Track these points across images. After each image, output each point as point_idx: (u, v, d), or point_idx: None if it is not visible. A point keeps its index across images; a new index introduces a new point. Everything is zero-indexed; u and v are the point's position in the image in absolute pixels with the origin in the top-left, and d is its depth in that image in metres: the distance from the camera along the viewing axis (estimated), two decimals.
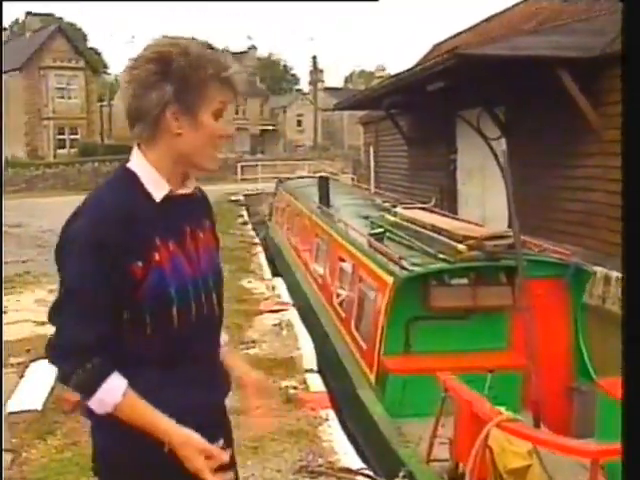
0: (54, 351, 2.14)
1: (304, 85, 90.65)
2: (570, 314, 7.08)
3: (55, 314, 2.17)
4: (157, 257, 2.15)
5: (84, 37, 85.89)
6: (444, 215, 9.73)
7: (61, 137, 52.57)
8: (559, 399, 6.63)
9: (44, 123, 52.12)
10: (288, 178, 20.79)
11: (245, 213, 25.45)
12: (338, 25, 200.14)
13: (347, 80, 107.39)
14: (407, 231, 8.23)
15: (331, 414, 5.96)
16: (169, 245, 2.19)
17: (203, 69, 2.16)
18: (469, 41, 21.27)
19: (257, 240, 18.13)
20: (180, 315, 2.18)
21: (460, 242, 6.78)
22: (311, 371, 6.87)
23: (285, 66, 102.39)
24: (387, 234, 8.27)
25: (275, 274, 13.05)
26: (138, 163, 2.24)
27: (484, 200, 20.92)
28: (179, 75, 2.14)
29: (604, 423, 5.27)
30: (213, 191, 28.43)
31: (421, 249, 7.15)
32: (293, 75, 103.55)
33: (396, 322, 6.65)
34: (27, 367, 6.79)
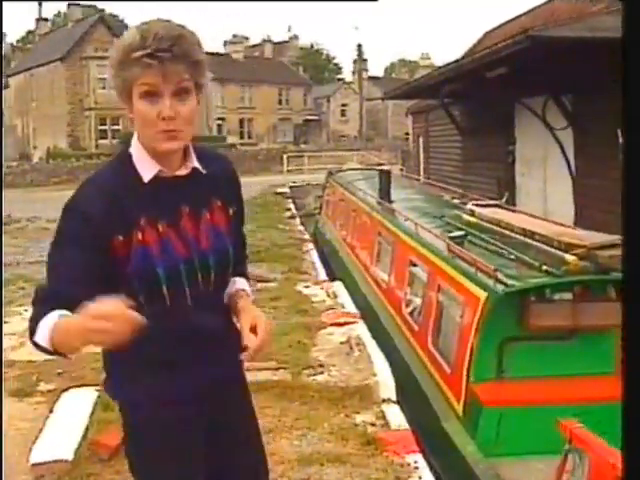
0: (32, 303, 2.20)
1: (347, 74, 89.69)
2: None
3: (50, 267, 2.24)
4: (140, 236, 2.23)
5: (125, 27, 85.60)
6: (529, 215, 8.71)
7: (103, 128, 52.18)
8: None
9: (86, 114, 51.84)
10: (340, 170, 19.81)
11: (292, 206, 24.58)
12: (378, 14, 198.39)
13: (387, 69, 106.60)
14: (491, 234, 7.25)
15: (420, 461, 5.00)
16: (158, 226, 2.27)
17: (117, 53, 2.17)
18: (530, 25, 20.15)
19: (307, 236, 17.23)
20: (171, 294, 2.26)
21: (566, 251, 5.81)
22: (389, 401, 5.90)
23: (327, 55, 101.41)
24: (469, 237, 7.30)
25: (329, 275, 12.13)
26: (133, 146, 2.34)
27: (546, 193, 19.88)
28: (110, 65, 2.21)
29: None
30: (257, 183, 27.96)
31: (516, 258, 6.18)
32: (336, 64, 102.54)
33: (488, 343, 5.71)
34: (58, 398, 5.83)
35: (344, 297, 9.27)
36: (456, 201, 10.69)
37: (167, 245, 2.26)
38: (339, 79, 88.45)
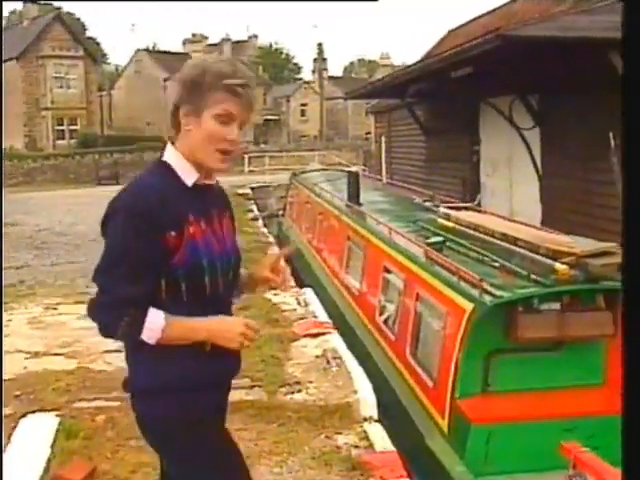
0: (99, 307, 2.46)
1: (306, 74, 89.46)
2: None
3: (98, 275, 2.48)
4: (191, 230, 2.49)
5: (83, 26, 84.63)
6: (506, 218, 8.45)
7: (60, 128, 51.29)
8: None
9: (42, 114, 50.88)
10: (304, 171, 19.48)
11: (254, 207, 24.17)
12: (338, 14, 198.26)
13: (347, 69, 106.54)
14: (470, 240, 6.97)
15: None
16: (201, 224, 2.54)
17: (207, 75, 2.51)
18: (493, 24, 20.00)
19: (271, 238, 16.87)
20: (211, 285, 2.52)
21: (554, 259, 5.54)
22: (371, 420, 5.56)
23: (287, 54, 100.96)
24: (447, 243, 7.00)
25: (296, 280, 11.77)
26: (170, 155, 2.62)
27: (511, 193, 19.76)
28: (189, 81, 2.54)
29: None
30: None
31: (501, 265, 5.90)
32: (295, 64, 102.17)
33: (474, 356, 5.43)
34: (16, 425, 5.26)
35: (315, 305, 8.89)
36: (427, 204, 10.38)
37: (208, 241, 2.54)
38: (299, 79, 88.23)
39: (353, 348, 7.43)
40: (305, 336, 7.42)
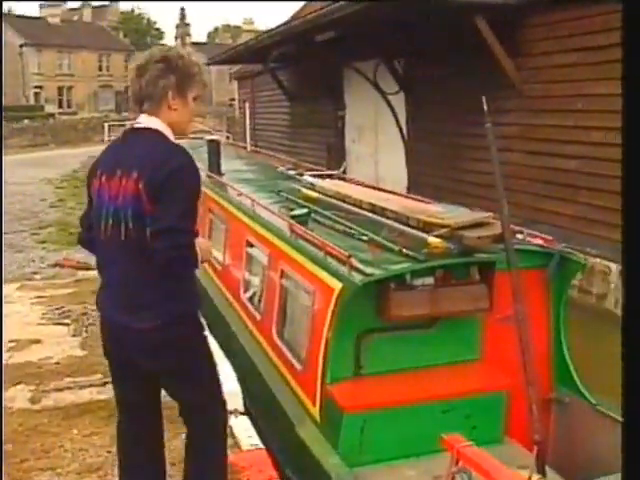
0: (188, 247, 3.17)
1: (169, 40, 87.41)
2: (552, 311, 5.73)
3: (182, 220, 3.14)
4: None
5: None
6: (375, 187, 8.09)
7: None
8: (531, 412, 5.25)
9: None
10: None
11: None
12: None
13: (211, 35, 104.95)
14: (336, 211, 6.58)
15: None
16: None
17: (193, 68, 3.42)
18: None
19: None
20: None
21: (426, 231, 5.21)
22: (236, 413, 5.10)
23: (149, 20, 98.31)
24: (312, 215, 6.58)
25: None
26: (157, 124, 3.38)
27: (377, 159, 19.65)
28: (179, 71, 3.36)
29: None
30: (78, 155, 26.34)
31: (370, 239, 5.53)
32: (158, 29, 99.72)
33: (344, 337, 5.05)
34: None
35: None
36: (292, 172, 9.94)
37: None
38: (161, 45, 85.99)
39: (217, 330, 6.96)
40: None
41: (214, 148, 10.92)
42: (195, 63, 3.43)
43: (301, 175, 9.18)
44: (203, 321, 3.60)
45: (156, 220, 3.10)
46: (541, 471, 4.40)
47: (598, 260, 10.98)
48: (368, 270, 4.88)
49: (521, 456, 4.92)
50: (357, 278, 4.82)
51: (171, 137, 3.36)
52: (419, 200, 6.82)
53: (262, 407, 5.98)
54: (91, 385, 5.17)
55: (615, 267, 10.76)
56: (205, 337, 3.57)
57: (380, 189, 7.93)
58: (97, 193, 3.45)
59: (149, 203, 3.16)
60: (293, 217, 6.47)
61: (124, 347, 3.41)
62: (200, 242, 3.30)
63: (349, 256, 4.97)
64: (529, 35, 12.61)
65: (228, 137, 33.65)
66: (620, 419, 5.22)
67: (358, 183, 8.49)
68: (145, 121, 3.40)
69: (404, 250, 5.03)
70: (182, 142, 11.53)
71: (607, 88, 11.04)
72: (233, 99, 43.84)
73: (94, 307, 7.13)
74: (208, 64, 37.43)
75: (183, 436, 4.81)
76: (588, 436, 5.45)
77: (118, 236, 3.26)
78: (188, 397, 3.63)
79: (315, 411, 5.15)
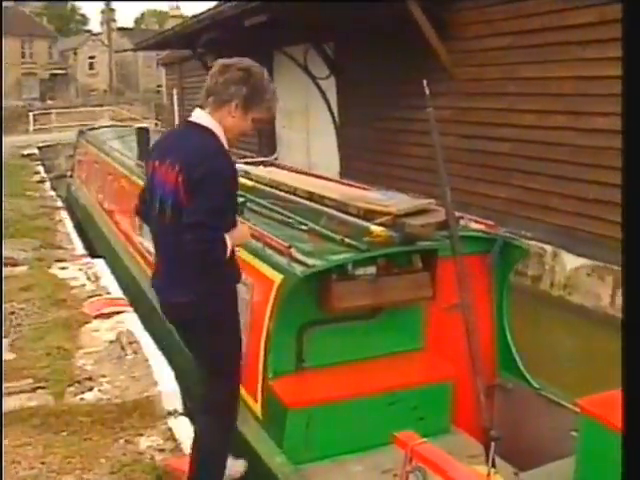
0: (217, 241, 3.49)
1: (94, 26, 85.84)
2: (495, 297, 5.68)
3: (212, 217, 3.44)
4: None
5: None
6: (310, 174, 7.92)
7: None
8: (479, 401, 5.20)
9: None
10: (92, 128, 18.21)
11: (41, 169, 22.51)
12: None
13: (137, 20, 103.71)
14: (273, 200, 6.40)
15: None
16: None
17: (267, 92, 3.62)
18: None
19: (60, 203, 15.62)
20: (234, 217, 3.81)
21: (367, 219, 5.08)
22: (176, 414, 4.89)
23: (73, 6, 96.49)
24: (248, 204, 6.38)
25: (88, 248, 10.80)
26: (212, 124, 3.59)
27: (308, 145, 19.50)
28: (253, 86, 3.55)
29: (588, 448, 4.03)
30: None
31: (309, 229, 5.36)
32: (82, 15, 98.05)
33: (285, 331, 4.89)
34: None
35: (107, 278, 8.00)
36: None
37: None
38: (86, 30, 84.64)
39: (152, 327, 6.73)
40: (97, 317, 6.57)
41: (143, 136, 10.63)
42: (270, 90, 3.61)
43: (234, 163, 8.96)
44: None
45: (189, 214, 3.42)
46: (491, 460, 4.32)
47: (533, 242, 11.02)
48: (309, 261, 4.72)
49: (470, 445, 4.86)
50: (298, 269, 4.66)
51: (221, 136, 3.57)
52: (357, 187, 6.68)
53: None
54: (21, 391, 4.90)
55: (550, 249, 10.82)
56: (235, 316, 3.86)
57: (316, 175, 7.77)
58: (151, 175, 3.80)
59: (185, 196, 3.47)
60: None
61: (168, 318, 4.07)
62: (236, 230, 3.69)
63: (289, 247, 4.81)
64: (462, 18, 12.57)
65: (157, 124, 33.16)
66: (563, 403, 5.20)
67: (293, 170, 8.31)
68: (198, 116, 3.60)
69: (345, 239, 4.88)
70: (108, 130, 11.19)
71: (540, 71, 11.08)
72: (161, 85, 43.24)
73: (22, 306, 6.91)
74: (134, 49, 36.83)
75: (121, 442, 4.63)
76: (533, 421, 5.42)
77: (163, 219, 3.64)
78: (210, 369, 4.00)
79: (257, 408, 4.99)
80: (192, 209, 3.42)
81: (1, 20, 39.63)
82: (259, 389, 4.96)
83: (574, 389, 5.62)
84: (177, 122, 31.80)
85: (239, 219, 3.93)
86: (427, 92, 4.67)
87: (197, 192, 3.42)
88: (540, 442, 5.20)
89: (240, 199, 6.36)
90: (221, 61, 3.63)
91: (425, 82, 4.65)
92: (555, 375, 7.29)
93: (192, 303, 3.69)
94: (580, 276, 10.22)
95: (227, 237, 3.51)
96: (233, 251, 3.68)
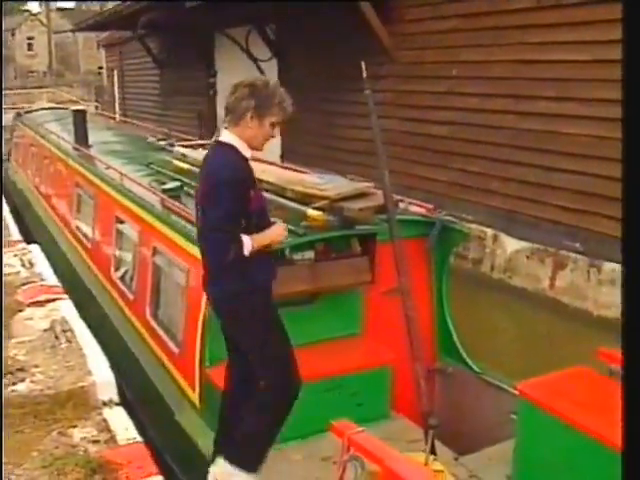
0: (227, 242, 3.79)
1: (33, 6, 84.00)
2: (434, 280, 5.64)
3: (223, 223, 3.78)
4: (254, 190, 3.93)
5: None
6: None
7: None
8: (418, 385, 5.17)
9: None
10: (29, 110, 17.79)
11: None
12: None
13: (78, 1, 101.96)
14: None
15: None
16: (254, 183, 3.98)
17: (274, 97, 3.88)
18: None
19: None
20: (260, 224, 3.95)
21: (305, 203, 5.00)
22: (111, 404, 4.76)
23: None
24: (185, 188, 6.27)
25: (25, 234, 10.53)
26: (232, 139, 3.93)
27: None
28: (259, 97, 3.85)
29: (527, 431, 4.19)
30: None
31: None
32: None
33: None
34: None
35: (42, 265, 7.80)
36: (162, 143, 9.54)
37: (259, 196, 4.02)
38: (25, 10, 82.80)
39: (89, 314, 6.59)
40: (30, 305, 6.38)
41: (80, 119, 10.42)
42: (277, 94, 3.87)
43: (172, 146, 8.81)
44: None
45: (205, 221, 3.88)
46: (431, 445, 4.30)
47: (474, 225, 11.06)
48: None
49: (409, 430, 4.84)
50: None
51: (243, 149, 3.90)
52: (296, 170, 6.60)
53: (139, 395, 5.68)
54: None
55: (490, 232, 10.87)
56: (263, 313, 4.04)
57: (255, 159, 7.64)
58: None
59: (205, 205, 3.89)
60: (164, 191, 6.15)
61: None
62: (270, 230, 4.01)
63: None
64: (404, 0, 12.51)
65: (97, 107, 32.60)
66: (503, 386, 5.21)
67: None
68: (222, 135, 4.00)
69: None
70: (46, 112, 10.86)
71: (482, 55, 11.09)
72: (102, 67, 42.49)
73: None
74: (73, 30, 36.11)
75: (54, 434, 4.49)
76: (473, 405, 5.42)
77: (199, 226, 4.05)
78: (250, 361, 4.14)
79: (195, 396, 4.90)
80: (207, 216, 3.85)
81: (1, 20, 38.90)
82: (196, 377, 4.88)
83: (515, 372, 5.65)
84: (117, 104, 31.36)
85: (272, 219, 4.15)
86: (365, 74, 4.60)
87: (210, 201, 3.82)
88: (481, 425, 5.20)
89: (176, 183, 6.35)
90: (233, 83, 4.00)
91: (363, 64, 4.58)
92: (496, 358, 7.33)
93: (221, 299, 4.07)
94: (520, 259, 10.30)
95: (247, 238, 3.79)
96: (265, 250, 3.95)
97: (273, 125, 3.92)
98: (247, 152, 3.93)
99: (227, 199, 3.77)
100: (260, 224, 3.96)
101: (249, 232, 3.84)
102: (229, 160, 3.90)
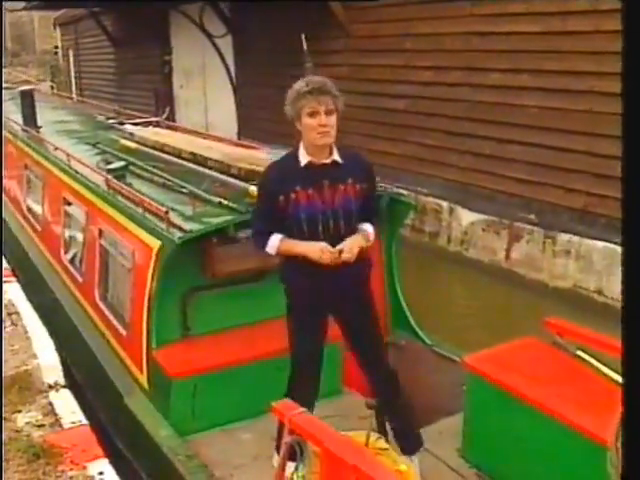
0: (254, 235, 4.12)
1: None
2: (384, 253, 5.61)
3: (252, 217, 4.19)
4: (294, 196, 3.89)
5: None
6: (199, 134, 7.70)
7: None
8: None
9: None
10: None
11: None
12: None
13: None
14: (155, 162, 6.19)
15: (108, 469, 3.91)
16: (308, 191, 3.90)
17: (296, 93, 3.84)
18: None
19: None
20: (309, 232, 3.93)
21: (246, 180, 4.94)
22: (57, 387, 4.68)
23: None
24: (130, 167, 6.16)
25: None
26: (300, 146, 3.99)
27: (206, 105, 19.15)
28: (287, 102, 3.90)
29: (474, 404, 4.32)
30: None
31: (190, 192, 5.19)
32: None
33: (168, 298, 4.76)
34: None
35: None
36: (112, 121, 9.39)
37: (311, 201, 3.90)
38: None
39: (39, 297, 6.48)
40: None
41: (28, 100, 10.19)
42: (295, 89, 3.87)
43: (122, 124, 8.68)
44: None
45: None
46: (380, 420, 4.30)
47: (430, 199, 11.06)
48: (187, 226, 4.58)
49: (361, 406, 4.80)
50: (176, 235, 4.51)
51: (301, 155, 3.95)
52: (245, 146, 6.53)
53: (87, 378, 5.60)
54: None
55: (446, 205, 10.87)
56: (294, 315, 4.22)
57: (205, 135, 7.57)
58: None
59: None
60: (109, 171, 6.05)
61: None
62: (307, 243, 3.94)
63: (166, 212, 4.65)
64: None
65: (52, 87, 32.04)
66: (455, 358, 5.19)
67: (183, 129, 8.08)
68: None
69: (225, 202, 4.74)
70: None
71: (434, 27, 11.04)
72: (57, 47, 41.80)
73: None
74: (27, 8, 35.40)
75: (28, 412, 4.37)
76: (426, 378, 5.39)
77: None
78: None
79: (143, 379, 4.84)
80: None
81: (1, 20, 38.18)
82: (144, 360, 4.81)
83: (469, 344, 5.64)
84: (73, 84, 30.90)
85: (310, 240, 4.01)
86: (305, 47, 4.55)
87: None
88: (433, 398, 5.19)
89: (122, 163, 6.25)
90: None
91: (303, 36, 4.55)
92: (451, 331, 7.34)
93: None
94: (476, 231, 10.31)
95: (275, 238, 3.97)
96: (305, 258, 3.94)
97: (311, 114, 3.81)
98: (304, 158, 3.93)
99: (259, 199, 4.11)
100: (312, 234, 3.94)
101: (294, 237, 3.94)
102: (272, 164, 4.16)
